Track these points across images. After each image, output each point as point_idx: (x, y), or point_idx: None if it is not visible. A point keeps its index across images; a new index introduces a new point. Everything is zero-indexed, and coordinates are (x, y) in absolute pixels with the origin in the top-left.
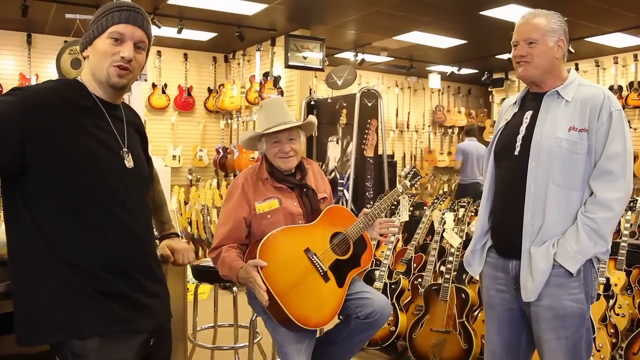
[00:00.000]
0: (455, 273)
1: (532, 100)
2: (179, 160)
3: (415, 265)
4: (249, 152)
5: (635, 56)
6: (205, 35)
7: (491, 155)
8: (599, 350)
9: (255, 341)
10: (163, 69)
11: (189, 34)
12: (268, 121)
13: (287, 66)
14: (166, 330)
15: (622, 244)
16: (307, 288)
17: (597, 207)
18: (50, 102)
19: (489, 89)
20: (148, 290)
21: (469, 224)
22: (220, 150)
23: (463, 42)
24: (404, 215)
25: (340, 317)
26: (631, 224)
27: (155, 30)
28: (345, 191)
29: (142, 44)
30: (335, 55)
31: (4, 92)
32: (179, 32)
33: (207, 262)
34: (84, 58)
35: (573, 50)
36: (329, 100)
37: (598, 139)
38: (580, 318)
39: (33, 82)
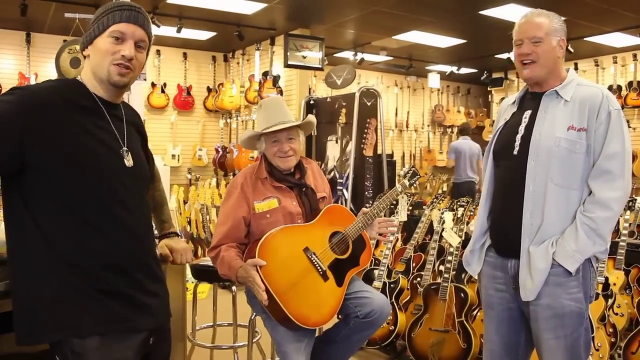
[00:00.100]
0: (454, 272)
1: (531, 100)
2: (178, 160)
3: (414, 264)
4: (248, 151)
5: (635, 56)
6: (204, 35)
7: (490, 154)
8: (597, 350)
9: (254, 340)
10: (162, 68)
11: (189, 33)
12: (267, 120)
13: (287, 65)
14: (165, 329)
15: (621, 243)
16: (306, 287)
17: (596, 206)
18: (50, 101)
19: (488, 89)
20: (148, 290)
21: (468, 223)
22: (219, 149)
23: (462, 41)
24: (402, 214)
25: (340, 316)
26: (630, 224)
27: (154, 30)
28: (344, 190)
29: (143, 43)
30: (334, 55)
31: (3, 91)
32: (179, 31)
33: (207, 261)
34: (85, 57)
35: (572, 50)
36: (328, 100)
37: (597, 138)
38: (579, 317)
39: (32, 81)
